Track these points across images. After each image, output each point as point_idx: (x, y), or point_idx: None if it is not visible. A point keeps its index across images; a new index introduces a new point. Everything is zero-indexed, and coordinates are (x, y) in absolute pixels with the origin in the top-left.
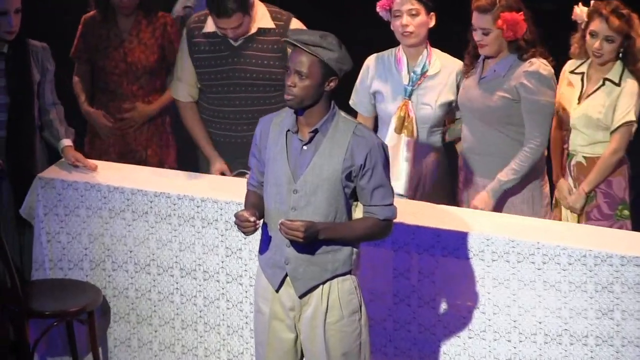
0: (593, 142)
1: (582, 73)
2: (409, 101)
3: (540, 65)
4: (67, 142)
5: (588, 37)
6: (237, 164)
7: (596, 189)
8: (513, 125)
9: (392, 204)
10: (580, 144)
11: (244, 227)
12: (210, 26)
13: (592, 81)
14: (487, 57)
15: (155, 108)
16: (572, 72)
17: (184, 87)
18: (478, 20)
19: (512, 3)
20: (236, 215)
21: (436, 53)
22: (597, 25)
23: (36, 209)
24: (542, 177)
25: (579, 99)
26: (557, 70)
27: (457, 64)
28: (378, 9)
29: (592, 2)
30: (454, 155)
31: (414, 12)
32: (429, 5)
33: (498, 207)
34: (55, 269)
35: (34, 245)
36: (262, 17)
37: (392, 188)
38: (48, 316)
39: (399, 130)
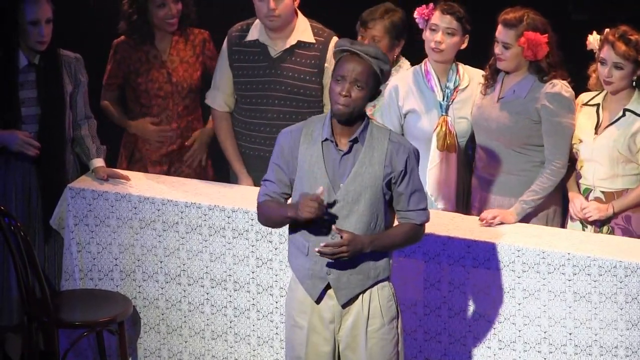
0: (613, 176)
1: (597, 104)
2: (447, 117)
3: (562, 87)
4: (98, 162)
5: (598, 65)
6: None
7: (614, 225)
8: (532, 146)
9: (426, 208)
10: (600, 177)
11: (314, 206)
12: (252, 35)
13: (610, 111)
14: (506, 73)
15: (212, 127)
16: (585, 104)
17: (221, 95)
18: (502, 33)
19: (539, 24)
20: (306, 198)
21: (461, 65)
22: (605, 52)
23: (66, 219)
24: (559, 198)
25: (596, 129)
26: (579, 89)
27: (480, 74)
28: (415, 15)
29: (605, 30)
30: None
31: (450, 32)
32: (466, 28)
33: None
34: (85, 279)
35: (64, 256)
36: (304, 31)
37: (424, 192)
38: (78, 326)
39: (441, 147)
